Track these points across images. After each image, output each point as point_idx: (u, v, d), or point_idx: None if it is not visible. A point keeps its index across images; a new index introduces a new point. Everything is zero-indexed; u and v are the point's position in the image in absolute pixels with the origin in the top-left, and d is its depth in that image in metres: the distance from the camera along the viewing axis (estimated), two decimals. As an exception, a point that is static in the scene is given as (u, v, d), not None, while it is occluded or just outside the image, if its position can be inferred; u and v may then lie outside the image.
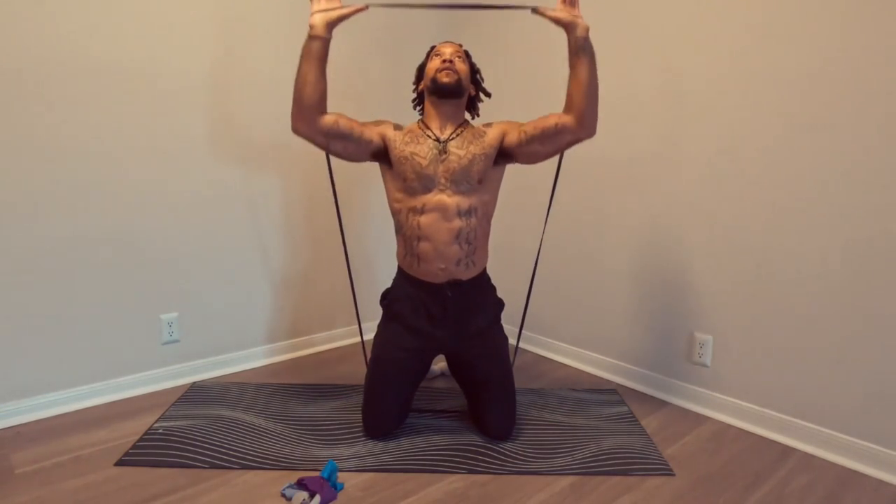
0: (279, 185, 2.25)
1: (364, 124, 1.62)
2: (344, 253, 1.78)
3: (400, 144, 1.61)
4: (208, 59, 2.00)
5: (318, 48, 1.47)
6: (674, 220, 1.96)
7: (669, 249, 1.99)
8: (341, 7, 1.46)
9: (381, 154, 1.64)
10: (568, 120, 1.54)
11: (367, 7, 1.47)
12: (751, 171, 1.75)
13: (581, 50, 1.47)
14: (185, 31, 1.93)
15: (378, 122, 1.66)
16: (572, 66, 1.51)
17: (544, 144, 1.60)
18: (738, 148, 1.77)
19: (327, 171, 1.73)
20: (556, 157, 1.71)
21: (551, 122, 1.57)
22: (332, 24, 1.46)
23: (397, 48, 2.55)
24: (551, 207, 1.87)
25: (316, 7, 1.46)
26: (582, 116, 1.53)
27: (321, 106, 1.52)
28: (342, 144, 1.59)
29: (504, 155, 1.65)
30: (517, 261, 2.54)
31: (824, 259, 1.62)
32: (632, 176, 2.08)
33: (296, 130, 1.54)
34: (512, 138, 1.62)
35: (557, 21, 1.44)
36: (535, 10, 1.44)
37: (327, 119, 1.54)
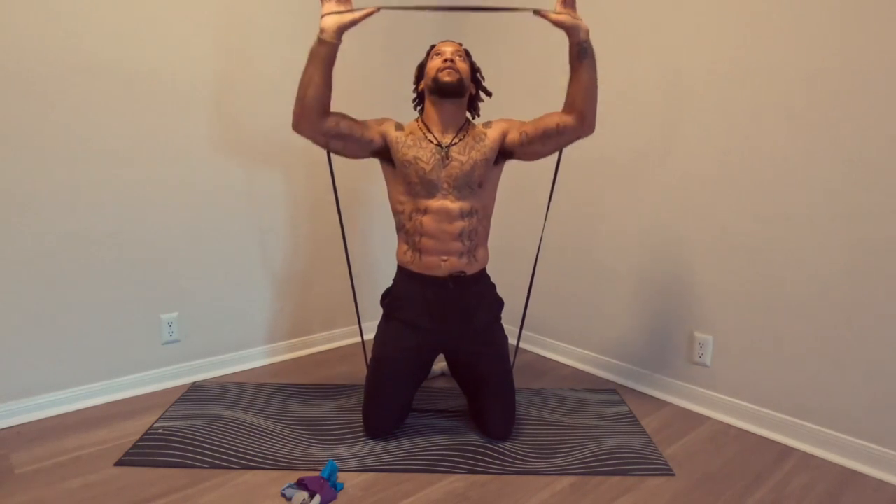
0: (280, 186, 2.25)
1: (365, 123, 1.62)
2: (345, 253, 1.78)
3: (403, 147, 1.61)
4: (210, 60, 2.00)
5: (327, 52, 1.43)
6: (674, 220, 1.96)
7: (670, 249, 1.99)
8: (353, 10, 1.41)
9: (382, 152, 1.65)
10: (568, 120, 1.56)
11: (378, 10, 1.43)
12: (752, 170, 1.75)
13: (583, 52, 1.48)
14: (186, 32, 1.93)
15: (380, 121, 1.66)
16: (573, 69, 1.51)
17: (545, 144, 1.62)
18: (740, 147, 1.77)
19: (329, 172, 1.73)
20: (555, 157, 1.71)
21: (552, 122, 1.58)
22: (343, 29, 1.42)
23: (396, 47, 2.55)
24: (550, 207, 1.87)
25: (327, 8, 1.41)
26: (583, 116, 1.55)
27: (325, 108, 1.51)
28: (342, 144, 1.59)
29: (504, 153, 1.67)
30: (516, 261, 2.54)
31: (824, 259, 1.62)
32: (632, 176, 2.08)
33: (297, 130, 1.53)
34: (513, 138, 1.63)
35: (560, 24, 1.45)
36: (536, 13, 1.44)
37: (329, 120, 1.53)
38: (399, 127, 1.65)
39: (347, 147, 1.60)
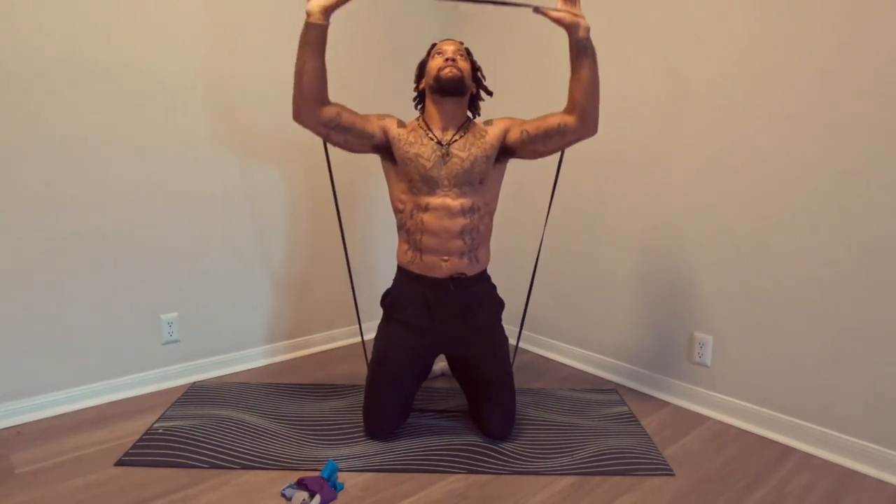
0: (280, 185, 2.25)
1: (367, 118, 1.62)
2: (344, 253, 1.78)
3: (404, 144, 1.61)
4: (208, 59, 2.00)
5: (315, 36, 1.44)
6: (674, 220, 1.96)
7: (670, 249, 1.99)
8: None
9: (383, 148, 1.65)
10: (570, 120, 1.55)
11: None
12: (752, 170, 1.75)
13: (583, 50, 1.47)
14: (184, 31, 1.93)
15: (382, 116, 1.66)
16: (574, 67, 1.51)
17: (546, 144, 1.61)
18: (740, 147, 1.77)
19: (328, 171, 1.73)
20: (557, 157, 1.72)
21: (554, 122, 1.57)
22: (329, 11, 1.43)
23: (397, 46, 2.55)
24: (551, 208, 1.87)
25: None
26: (584, 116, 1.53)
27: (321, 95, 1.51)
28: (343, 137, 1.59)
29: (506, 151, 1.66)
30: (517, 261, 2.54)
31: (825, 259, 1.62)
32: (633, 176, 2.08)
33: (297, 120, 1.53)
34: (514, 136, 1.63)
35: (559, 21, 1.44)
36: (536, 10, 1.43)
37: (329, 111, 1.53)
38: (401, 124, 1.65)
39: (348, 141, 1.60)
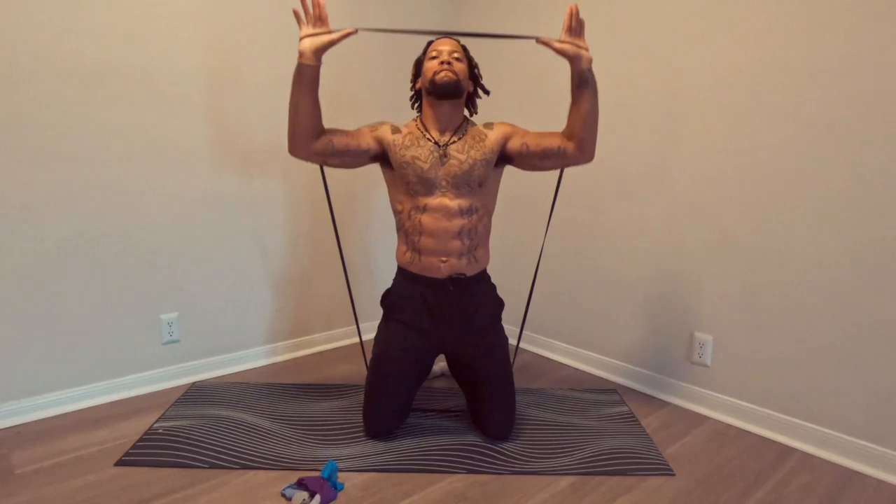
0: (280, 185, 2.25)
1: (359, 133, 1.63)
2: (340, 255, 1.77)
3: (400, 149, 1.61)
4: (209, 60, 2.00)
5: (308, 75, 1.45)
6: (674, 220, 1.96)
7: (670, 249, 1.99)
8: (329, 31, 1.43)
9: (381, 157, 1.66)
10: (569, 146, 1.57)
11: (356, 31, 1.45)
12: (751, 170, 1.75)
13: (584, 82, 1.49)
14: (185, 32, 1.93)
15: (374, 127, 1.66)
16: (574, 98, 1.53)
17: (543, 161, 1.63)
18: (739, 147, 1.77)
19: (322, 180, 1.72)
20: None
21: (554, 144, 1.59)
22: (320, 51, 1.44)
23: (394, 46, 2.55)
24: (553, 213, 1.87)
25: (304, 32, 1.44)
26: (583, 145, 1.56)
27: (316, 130, 1.52)
28: (340, 160, 1.60)
29: (503, 158, 1.67)
30: (517, 261, 2.54)
31: (825, 259, 1.62)
32: (632, 176, 2.08)
33: (292, 153, 1.55)
34: (514, 145, 1.64)
35: (563, 53, 1.44)
36: (539, 41, 1.44)
37: (322, 141, 1.54)
38: (395, 130, 1.66)
39: (345, 161, 1.62)
